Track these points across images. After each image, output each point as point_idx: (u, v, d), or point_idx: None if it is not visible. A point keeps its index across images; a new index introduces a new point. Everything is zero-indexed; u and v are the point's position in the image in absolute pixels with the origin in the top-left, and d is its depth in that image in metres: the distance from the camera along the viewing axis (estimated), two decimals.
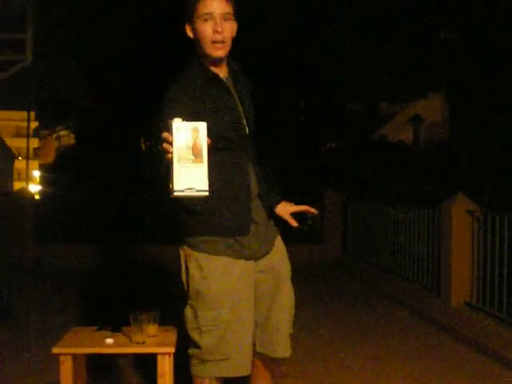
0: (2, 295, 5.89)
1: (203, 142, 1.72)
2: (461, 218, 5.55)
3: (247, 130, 2.24)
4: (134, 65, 13.05)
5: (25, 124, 30.86)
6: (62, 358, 2.38)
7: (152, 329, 2.52)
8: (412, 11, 14.08)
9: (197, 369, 2.23)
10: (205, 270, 2.16)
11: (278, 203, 2.39)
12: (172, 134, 1.73)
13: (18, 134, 49.51)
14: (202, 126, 1.74)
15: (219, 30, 2.09)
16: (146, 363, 3.50)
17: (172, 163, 1.72)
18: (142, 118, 12.58)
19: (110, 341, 2.47)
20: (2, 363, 3.93)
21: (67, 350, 2.40)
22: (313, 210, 2.39)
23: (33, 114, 32.36)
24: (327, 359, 4.15)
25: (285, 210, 2.38)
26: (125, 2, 13.70)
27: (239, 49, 2.37)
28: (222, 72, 2.21)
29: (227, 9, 2.11)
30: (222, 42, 2.11)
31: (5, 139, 40.32)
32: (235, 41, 2.22)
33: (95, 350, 2.48)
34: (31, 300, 6.19)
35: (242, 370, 2.23)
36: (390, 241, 7.47)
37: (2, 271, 7.35)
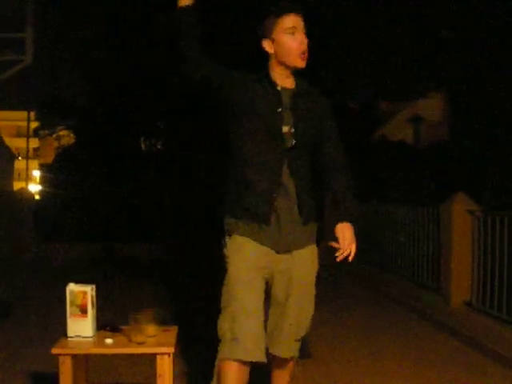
0: (1, 294, 5.89)
1: None
2: (461, 217, 5.55)
3: (287, 136, 2.43)
4: (135, 64, 13.05)
5: (25, 124, 30.89)
6: (61, 359, 2.38)
7: (151, 329, 2.52)
8: (413, 10, 14.07)
9: (219, 352, 2.42)
10: (225, 249, 2.47)
11: (340, 222, 2.46)
12: None
13: (17, 134, 49.55)
14: None
15: (305, 41, 2.39)
16: (146, 363, 3.50)
17: None
18: (141, 117, 12.57)
19: (109, 341, 2.47)
20: (2, 363, 3.92)
21: (67, 351, 2.40)
22: (343, 254, 2.46)
23: (33, 113, 32.37)
24: (328, 358, 4.14)
25: (342, 232, 2.45)
26: (125, 2, 13.70)
27: (238, 49, 2.42)
28: (287, 84, 2.47)
29: (304, 23, 2.41)
30: (306, 53, 2.41)
31: (5, 139, 40.30)
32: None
33: (95, 350, 2.47)
34: (31, 299, 6.18)
35: (252, 355, 2.34)
36: (390, 240, 7.46)
37: (2, 270, 7.35)
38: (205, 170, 11.41)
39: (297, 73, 2.52)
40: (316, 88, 2.56)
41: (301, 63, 2.42)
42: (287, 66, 2.45)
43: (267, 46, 2.44)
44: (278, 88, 2.45)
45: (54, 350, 2.39)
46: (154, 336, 2.51)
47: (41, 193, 18.04)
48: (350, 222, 2.46)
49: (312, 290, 2.61)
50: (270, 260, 2.46)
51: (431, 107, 21.15)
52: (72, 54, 16.68)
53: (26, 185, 24.47)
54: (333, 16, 13.87)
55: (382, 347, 4.47)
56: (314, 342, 4.56)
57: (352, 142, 15.72)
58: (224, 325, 2.39)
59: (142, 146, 14.37)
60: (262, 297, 2.44)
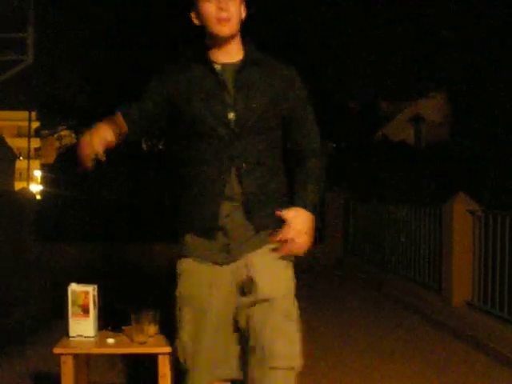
0: (2, 294, 5.89)
1: None
2: (462, 217, 5.55)
3: (232, 122, 2.03)
4: (135, 64, 13.06)
5: (26, 124, 30.91)
6: (63, 359, 2.38)
7: (153, 329, 2.52)
8: (413, 10, 14.08)
9: None
10: (177, 268, 2.17)
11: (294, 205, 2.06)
12: None
13: (19, 134, 49.63)
14: None
15: (223, 6, 1.98)
16: (147, 363, 3.51)
17: None
18: None
19: (111, 341, 2.47)
20: (3, 363, 3.93)
21: (68, 350, 2.40)
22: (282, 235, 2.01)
23: (34, 113, 32.41)
24: (328, 358, 4.15)
25: (290, 215, 2.02)
26: (125, 2, 13.71)
27: None
28: (229, 58, 2.07)
29: None
30: (228, 19, 2.00)
31: (6, 139, 40.37)
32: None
33: (96, 350, 2.48)
34: (32, 299, 6.19)
35: None
36: (391, 240, 7.46)
37: (2, 270, 7.35)
38: None
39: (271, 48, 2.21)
40: (273, 56, 2.15)
41: (221, 30, 2.01)
42: (215, 37, 2.04)
43: (193, 18, 2.08)
44: (217, 66, 2.06)
45: (56, 350, 2.39)
46: (155, 336, 2.52)
47: (42, 193, 18.03)
48: (309, 210, 2.04)
49: (283, 307, 2.03)
50: (221, 276, 2.08)
51: (432, 107, 21.16)
52: (72, 54, 16.71)
53: (28, 185, 24.48)
54: (333, 16, 13.88)
55: (382, 347, 4.47)
56: (315, 341, 4.57)
57: (352, 142, 15.79)
58: (177, 349, 2.16)
59: (144, 146, 14.38)
60: (213, 321, 2.06)
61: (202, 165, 2.06)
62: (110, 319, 2.74)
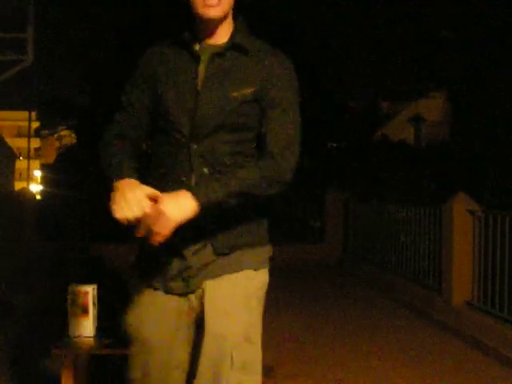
0: (2, 294, 5.89)
1: None
2: (462, 217, 5.55)
3: (197, 116, 1.68)
4: (135, 64, 13.07)
5: (26, 124, 30.91)
6: (63, 359, 2.38)
7: None
8: (413, 10, 14.09)
9: None
10: (128, 291, 1.87)
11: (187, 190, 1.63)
12: None
13: (19, 134, 49.67)
14: None
15: None
16: None
17: None
18: None
19: (110, 341, 2.47)
20: (2, 363, 3.93)
21: (68, 351, 2.40)
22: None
23: (34, 113, 32.43)
24: (329, 358, 4.15)
25: (168, 196, 1.60)
26: (125, 2, 13.72)
27: None
28: (212, 40, 1.74)
29: None
30: (216, 2, 1.66)
31: (6, 139, 40.38)
32: None
33: (96, 350, 2.47)
34: (32, 298, 6.19)
35: None
36: (391, 240, 7.46)
37: (3, 269, 7.36)
38: None
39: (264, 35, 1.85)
40: (269, 44, 1.78)
41: (205, 12, 1.66)
42: (200, 19, 1.70)
43: None
44: (195, 47, 1.74)
45: (56, 350, 2.39)
46: None
47: (42, 193, 18.05)
48: (197, 200, 1.56)
49: (238, 356, 1.62)
50: (172, 307, 1.74)
51: (432, 107, 21.19)
52: (72, 54, 16.73)
53: (27, 185, 24.49)
54: (333, 16, 13.89)
55: (382, 347, 4.48)
56: (315, 341, 4.57)
57: (352, 142, 15.80)
58: None
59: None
60: (163, 360, 1.73)
61: (163, 167, 1.75)
62: (110, 319, 2.74)
